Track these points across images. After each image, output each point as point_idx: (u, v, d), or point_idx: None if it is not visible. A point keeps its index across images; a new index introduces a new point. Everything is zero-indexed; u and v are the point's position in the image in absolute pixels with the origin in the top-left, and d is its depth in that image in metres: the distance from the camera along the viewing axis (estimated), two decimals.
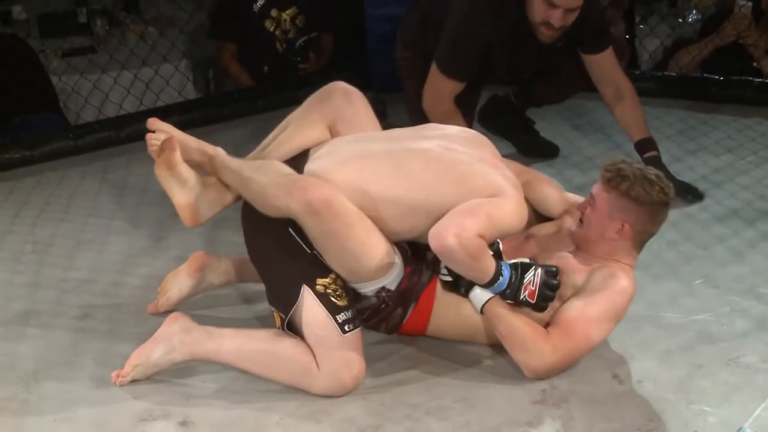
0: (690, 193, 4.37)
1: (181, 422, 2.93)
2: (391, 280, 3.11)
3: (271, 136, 3.39)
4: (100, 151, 5.45)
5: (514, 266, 3.04)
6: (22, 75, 5.70)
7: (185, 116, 5.87)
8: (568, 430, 2.83)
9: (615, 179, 3.11)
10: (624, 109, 4.43)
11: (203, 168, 3.34)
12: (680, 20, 6.58)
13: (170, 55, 6.36)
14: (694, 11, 6.57)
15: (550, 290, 3.06)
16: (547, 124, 5.15)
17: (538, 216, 3.43)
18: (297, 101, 3.49)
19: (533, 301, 3.05)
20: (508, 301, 3.05)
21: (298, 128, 3.34)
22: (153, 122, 3.36)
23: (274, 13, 6.28)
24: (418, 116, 4.43)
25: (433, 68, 4.34)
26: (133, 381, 3.10)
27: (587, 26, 4.25)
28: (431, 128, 3.40)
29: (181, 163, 3.27)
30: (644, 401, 2.96)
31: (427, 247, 3.09)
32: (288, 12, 6.31)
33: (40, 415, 2.99)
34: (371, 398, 3.02)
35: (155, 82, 6.18)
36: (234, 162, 3.28)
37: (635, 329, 3.35)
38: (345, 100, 3.39)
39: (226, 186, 3.30)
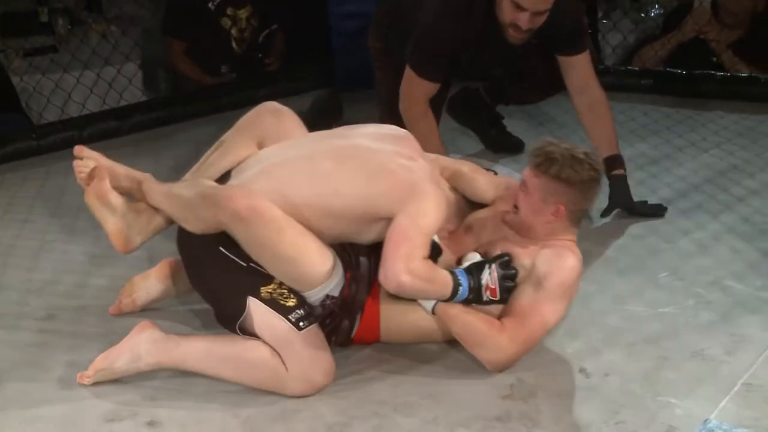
0: (656, 214, 4.26)
1: (149, 422, 2.91)
2: (334, 285, 3.09)
3: (202, 159, 3.41)
4: (64, 151, 5.40)
5: (468, 270, 3.05)
6: None
7: (149, 115, 5.86)
8: (537, 425, 2.83)
9: (544, 164, 3.12)
10: (594, 122, 4.30)
11: (132, 194, 3.37)
12: (642, 15, 6.62)
13: (133, 54, 6.34)
14: (657, 6, 6.61)
15: (510, 280, 3.08)
16: (511, 119, 5.15)
17: (472, 204, 3.44)
18: (260, 99, 3.48)
19: (497, 298, 3.06)
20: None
21: (227, 149, 3.36)
22: (80, 150, 3.39)
23: (230, 11, 6.26)
24: (387, 108, 4.47)
25: (407, 70, 4.30)
26: (97, 383, 3.08)
27: (562, 27, 4.20)
28: (351, 127, 3.39)
29: (110, 191, 3.31)
30: (611, 394, 2.97)
31: (362, 250, 3.15)
32: (243, 10, 6.30)
33: (5, 415, 2.96)
34: (338, 396, 3.01)
35: (118, 81, 6.16)
36: (162, 185, 3.33)
37: (600, 322, 3.37)
38: (273, 117, 3.40)
39: (156, 211, 3.33)
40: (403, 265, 2.95)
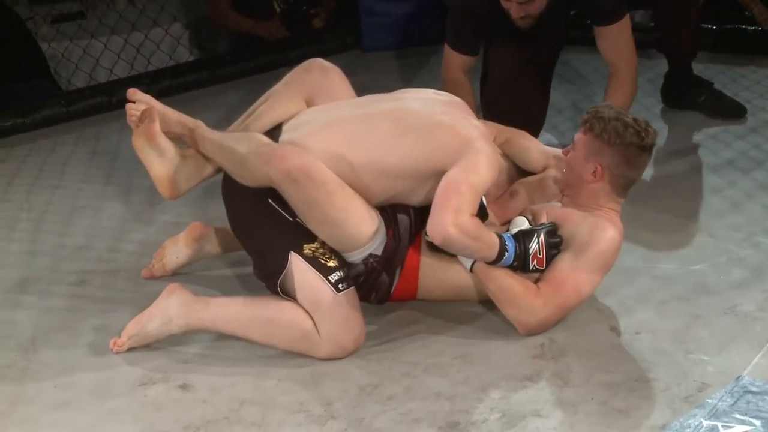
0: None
1: (181, 385, 2.93)
2: (377, 245, 3.10)
3: (250, 109, 3.40)
4: (93, 117, 5.44)
5: (516, 237, 3.04)
6: (11, 43, 5.68)
7: (177, 80, 5.88)
8: (567, 384, 2.83)
9: (590, 121, 3.12)
10: (609, 93, 4.23)
11: (183, 140, 3.36)
12: None
13: (160, 18, 6.34)
14: None
15: (555, 248, 3.07)
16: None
17: (520, 171, 3.42)
18: (289, 62, 3.49)
19: (543, 268, 3.06)
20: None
21: (276, 102, 3.34)
22: (133, 93, 3.38)
23: None
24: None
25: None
26: (130, 349, 3.10)
27: (597, 4, 4.16)
28: (405, 91, 3.39)
29: (160, 134, 3.29)
30: (642, 352, 2.96)
31: (401, 209, 3.15)
32: None
33: (40, 382, 2.98)
34: (369, 358, 3.02)
35: (146, 47, 6.17)
36: (214, 134, 3.30)
37: (631, 281, 3.36)
38: (322, 74, 3.40)
39: (206, 158, 3.32)
40: (452, 217, 2.94)
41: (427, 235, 3.06)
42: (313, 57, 3.48)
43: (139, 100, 3.35)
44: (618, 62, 4.24)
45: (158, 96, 5.66)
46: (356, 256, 3.10)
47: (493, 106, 4.15)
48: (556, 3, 4.05)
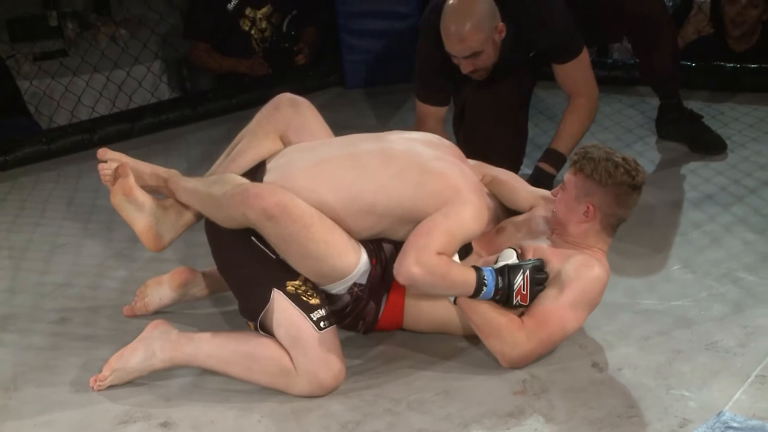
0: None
1: (162, 423, 2.92)
2: (361, 274, 3.11)
3: (227, 150, 3.41)
4: (74, 155, 5.43)
5: (500, 271, 3.04)
6: None
7: (159, 117, 5.87)
8: (550, 420, 2.83)
9: (580, 162, 3.14)
10: (565, 120, 4.31)
11: (160, 192, 3.39)
12: None
13: (142, 56, 6.35)
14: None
15: (540, 285, 3.08)
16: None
17: (506, 211, 3.43)
18: (270, 99, 3.48)
19: (526, 304, 3.06)
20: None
21: (250, 142, 3.36)
22: (103, 152, 3.40)
23: (249, 12, 6.26)
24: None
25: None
26: (111, 386, 3.09)
27: (551, 43, 4.18)
28: (391, 132, 3.40)
29: (136, 188, 3.32)
30: (624, 388, 2.97)
31: (387, 240, 3.17)
32: (263, 11, 6.29)
33: (20, 420, 2.97)
34: (351, 394, 3.02)
35: (128, 84, 6.17)
36: (189, 181, 3.33)
37: (613, 316, 3.36)
38: (293, 109, 3.42)
39: (185, 206, 3.33)
40: (414, 257, 2.97)
41: None
42: (297, 93, 3.50)
43: (111, 159, 3.38)
44: (578, 93, 4.30)
45: (140, 133, 5.73)
46: (340, 287, 3.11)
47: (469, 146, 4.16)
48: (511, 48, 4.07)
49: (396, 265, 3.02)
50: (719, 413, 2.75)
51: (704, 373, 3.02)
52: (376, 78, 6.45)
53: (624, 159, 3.14)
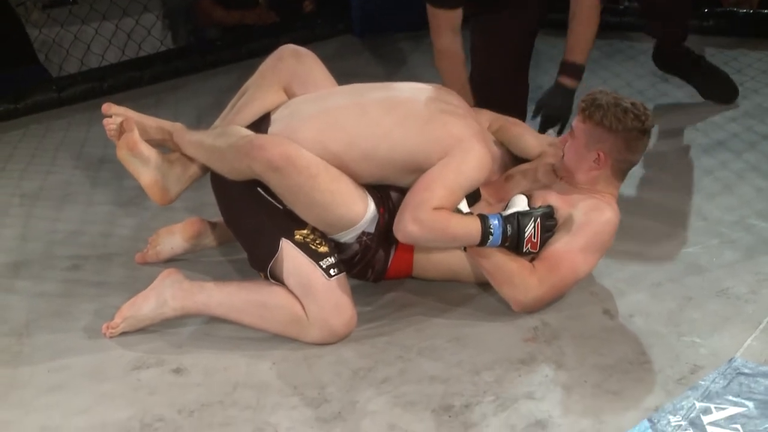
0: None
1: (175, 369, 2.93)
2: (368, 223, 3.11)
3: (229, 105, 3.41)
4: (84, 103, 5.43)
5: (509, 219, 3.03)
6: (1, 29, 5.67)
7: (168, 66, 5.87)
8: (560, 367, 2.84)
9: (589, 109, 3.12)
10: (573, 27, 4.13)
11: (165, 145, 3.38)
12: None
13: (151, 4, 6.32)
14: None
15: (549, 231, 3.08)
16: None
17: (514, 158, 3.42)
18: (278, 47, 3.47)
19: (536, 251, 3.06)
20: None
21: (254, 94, 3.35)
22: (108, 107, 3.39)
23: None
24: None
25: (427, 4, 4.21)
26: (123, 333, 3.10)
27: None
28: (397, 82, 3.39)
29: (141, 142, 3.30)
30: (635, 335, 2.97)
31: (394, 188, 3.16)
32: None
33: (33, 366, 2.98)
34: (363, 341, 3.02)
35: (137, 32, 6.15)
36: (193, 135, 3.32)
37: (624, 263, 3.36)
38: (295, 60, 3.39)
39: (191, 159, 3.33)
40: (410, 214, 2.97)
41: None
42: (305, 42, 3.49)
43: (115, 113, 3.37)
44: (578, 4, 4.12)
45: (150, 81, 5.72)
46: (348, 236, 3.11)
47: (476, 93, 4.12)
48: None
49: (394, 223, 3.03)
50: (730, 360, 2.75)
51: (715, 319, 3.02)
52: (385, 26, 6.43)
53: (633, 104, 3.12)
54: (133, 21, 6.15)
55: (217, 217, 3.56)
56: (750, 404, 2.55)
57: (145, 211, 4.02)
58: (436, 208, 2.98)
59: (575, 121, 3.19)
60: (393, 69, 5.69)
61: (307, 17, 6.48)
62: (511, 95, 4.24)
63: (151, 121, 3.38)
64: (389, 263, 3.22)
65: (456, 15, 4.17)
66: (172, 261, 3.55)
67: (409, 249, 3.21)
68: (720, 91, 4.75)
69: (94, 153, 4.72)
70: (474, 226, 3.00)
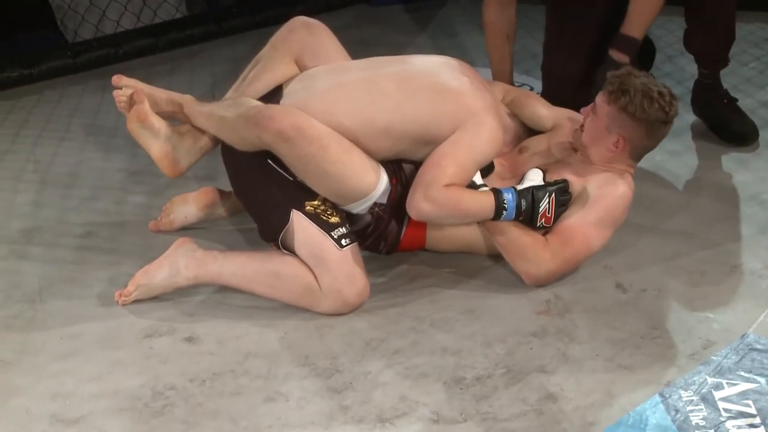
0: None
1: (187, 338, 2.94)
2: (381, 194, 3.11)
3: (240, 77, 3.40)
4: (99, 69, 5.42)
5: (523, 193, 3.03)
6: None
7: (184, 33, 5.86)
8: (573, 340, 2.84)
9: (616, 92, 3.09)
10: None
11: (176, 117, 3.36)
12: None
13: None
14: None
15: (563, 206, 3.08)
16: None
17: (528, 131, 3.41)
18: (295, 15, 3.46)
19: (549, 225, 3.06)
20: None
21: (266, 65, 3.34)
22: (118, 79, 3.37)
23: None
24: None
25: None
26: (136, 301, 3.11)
27: None
28: (410, 56, 3.38)
29: (151, 114, 3.29)
30: (648, 309, 2.97)
31: (407, 159, 3.16)
32: None
33: (47, 332, 2.99)
34: (375, 312, 3.03)
35: None
36: (204, 106, 3.31)
37: (638, 237, 3.36)
38: (307, 32, 3.39)
39: (201, 131, 3.33)
40: (422, 192, 2.99)
41: None
42: (320, 11, 3.47)
43: (126, 85, 3.36)
44: None
45: (165, 48, 5.71)
46: (360, 207, 3.11)
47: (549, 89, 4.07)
48: None
49: (407, 201, 3.04)
50: (743, 335, 2.75)
51: (728, 295, 3.02)
52: None
53: (660, 93, 3.09)
54: None
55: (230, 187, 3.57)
56: (762, 380, 2.55)
57: (158, 178, 4.00)
58: (447, 185, 2.98)
59: (599, 98, 3.15)
60: (408, 38, 5.67)
61: None
62: (585, 94, 3.77)
63: (161, 93, 3.37)
64: (402, 235, 3.22)
65: None
66: (184, 230, 3.55)
67: (422, 222, 3.21)
68: (741, 135, 4.15)
69: (108, 120, 4.71)
70: (487, 201, 3.00)
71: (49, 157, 4.35)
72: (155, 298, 3.11)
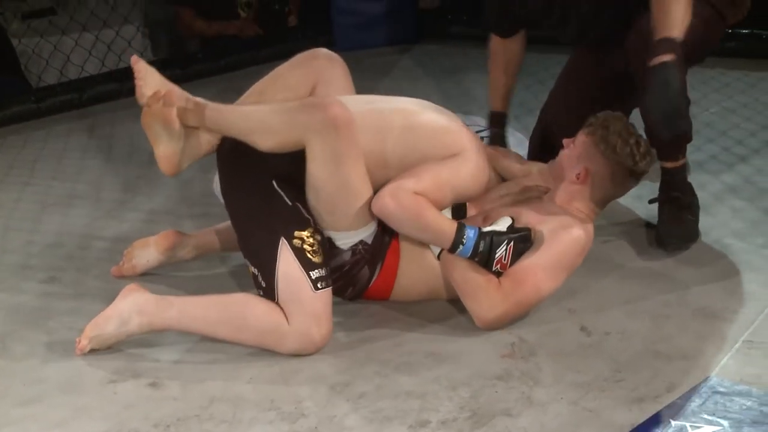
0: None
1: (151, 383, 2.92)
2: (370, 233, 3.14)
3: (250, 91, 3.41)
4: (63, 114, 5.42)
5: (484, 235, 3.05)
6: None
7: None
8: (537, 383, 2.84)
9: (596, 126, 3.15)
10: (655, 4, 3.28)
11: (186, 118, 3.24)
12: None
13: (131, 15, 6.32)
14: None
15: (521, 254, 3.10)
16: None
17: (501, 180, 3.47)
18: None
19: (503, 271, 3.08)
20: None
21: (285, 84, 3.37)
22: (136, 61, 3.30)
23: None
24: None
25: None
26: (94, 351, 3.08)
27: None
28: (398, 97, 3.43)
29: (176, 119, 3.18)
30: (612, 352, 2.97)
31: None
32: None
33: (10, 379, 2.97)
34: (341, 355, 3.02)
35: (117, 44, 6.14)
36: (227, 105, 3.25)
37: (601, 280, 3.38)
38: (328, 63, 3.43)
39: (205, 134, 3.25)
40: (390, 190, 3.04)
41: None
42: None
43: (146, 73, 3.26)
44: None
45: (130, 93, 5.66)
46: (350, 239, 3.14)
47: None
48: None
49: (375, 195, 3.07)
50: (706, 378, 2.77)
51: (692, 338, 3.03)
52: (366, 40, 6.44)
53: (636, 143, 3.15)
54: (114, 32, 6.14)
55: (194, 230, 3.57)
56: (725, 423, 2.56)
57: (122, 223, 4.02)
58: (417, 193, 3.02)
59: (580, 132, 3.25)
60: (372, 83, 5.69)
61: (289, 31, 6.48)
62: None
63: (180, 92, 3.23)
64: (372, 282, 3.23)
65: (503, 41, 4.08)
66: (148, 274, 3.54)
67: (392, 272, 3.23)
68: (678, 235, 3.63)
69: (72, 165, 4.71)
70: (449, 228, 3.03)
71: (13, 202, 4.34)
72: (118, 344, 3.09)
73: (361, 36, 6.47)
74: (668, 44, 3.17)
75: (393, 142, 3.15)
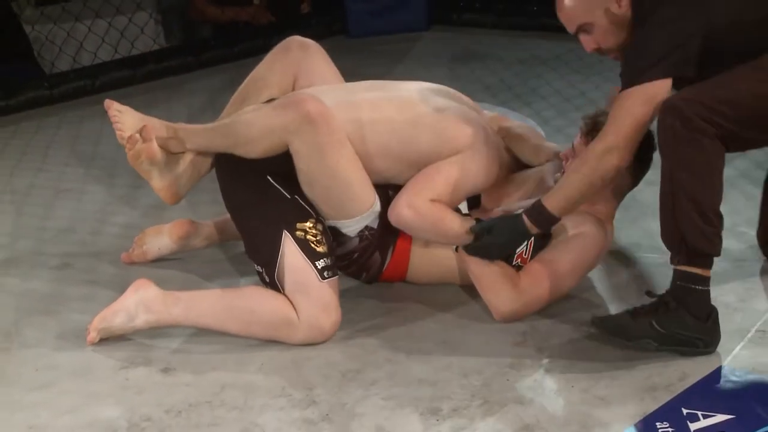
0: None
1: (163, 369, 2.93)
2: (374, 217, 3.13)
3: (231, 101, 3.40)
4: (76, 100, 5.42)
5: None
6: None
7: (161, 64, 5.87)
8: (549, 372, 2.84)
9: (592, 132, 3.11)
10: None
11: (168, 145, 3.27)
12: None
13: (144, 2, 6.33)
14: None
15: (540, 249, 3.10)
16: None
17: (520, 164, 3.42)
18: (272, 48, 3.47)
19: (524, 265, 3.08)
20: None
21: (265, 83, 3.36)
22: (110, 104, 3.31)
23: None
24: None
25: None
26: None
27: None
28: (406, 81, 3.39)
29: (159, 151, 3.22)
30: (624, 342, 2.96)
31: (394, 188, 3.17)
32: None
33: (22, 365, 2.98)
34: (352, 343, 3.03)
35: (130, 30, 6.15)
36: (206, 125, 3.28)
37: (615, 271, 3.37)
38: (302, 52, 3.40)
39: (199, 158, 3.29)
40: (407, 199, 3.02)
41: None
42: None
43: (119, 111, 3.28)
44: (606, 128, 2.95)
45: (142, 80, 5.73)
46: (354, 226, 3.13)
47: None
48: None
49: (390, 208, 3.06)
50: (718, 367, 2.76)
51: None
52: (379, 27, 6.44)
53: None
54: (126, 19, 6.15)
55: (209, 218, 3.57)
56: (737, 412, 2.55)
57: (135, 209, 4.02)
58: (433, 200, 2.99)
59: (576, 140, 3.17)
60: (385, 69, 5.69)
61: (302, 17, 6.48)
62: None
63: (156, 122, 3.28)
64: (384, 267, 3.23)
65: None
66: (158, 261, 3.55)
67: (405, 255, 3.23)
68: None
69: (85, 151, 4.72)
70: (464, 230, 3.01)
71: (26, 188, 4.35)
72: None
73: (374, 23, 6.48)
74: (541, 218, 2.95)
75: (391, 133, 3.12)
